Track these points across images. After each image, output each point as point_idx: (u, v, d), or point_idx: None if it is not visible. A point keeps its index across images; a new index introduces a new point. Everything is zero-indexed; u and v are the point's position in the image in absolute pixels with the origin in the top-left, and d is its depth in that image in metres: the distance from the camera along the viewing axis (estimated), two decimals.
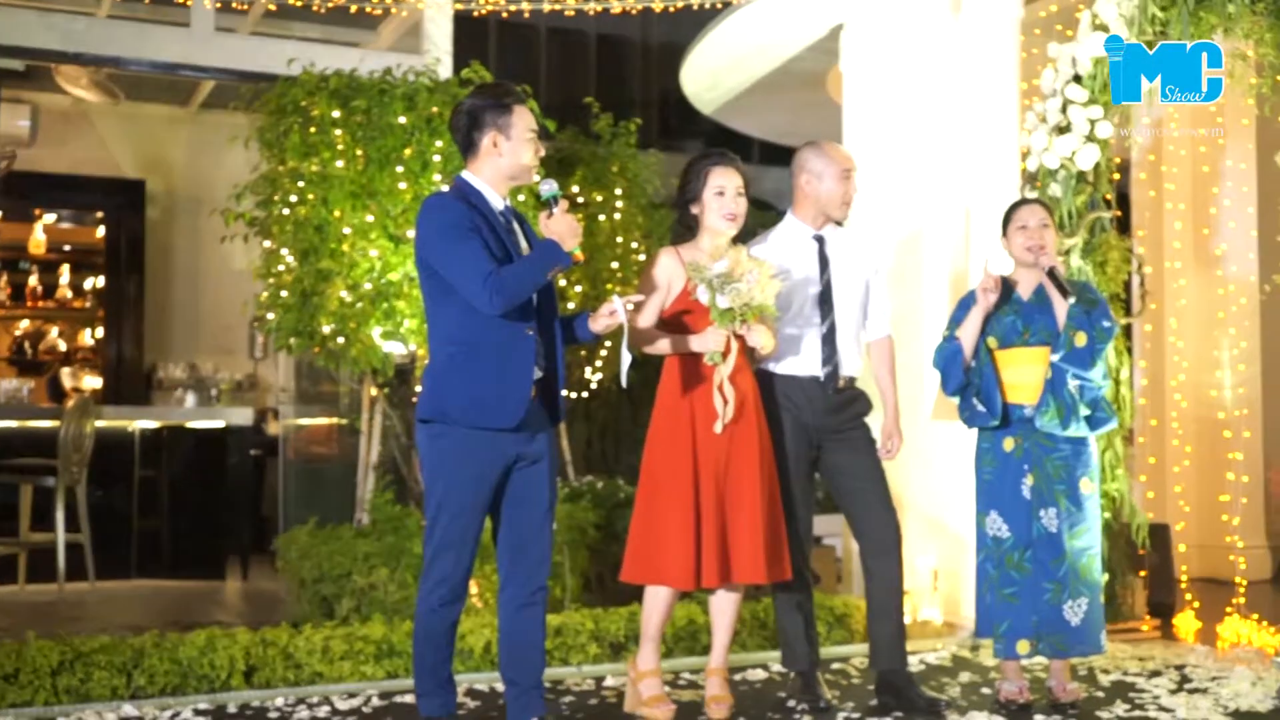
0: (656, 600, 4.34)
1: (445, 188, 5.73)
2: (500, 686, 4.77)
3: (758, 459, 4.26)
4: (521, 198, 5.63)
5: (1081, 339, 4.49)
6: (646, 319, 4.35)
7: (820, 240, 4.68)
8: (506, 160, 3.86)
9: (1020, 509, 4.54)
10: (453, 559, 3.79)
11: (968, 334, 4.62)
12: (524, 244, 3.91)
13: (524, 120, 3.89)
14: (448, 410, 3.77)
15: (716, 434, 4.20)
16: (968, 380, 4.64)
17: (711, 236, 4.36)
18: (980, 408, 4.63)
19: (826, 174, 4.66)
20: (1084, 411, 4.53)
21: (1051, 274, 4.54)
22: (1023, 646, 4.52)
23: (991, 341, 4.64)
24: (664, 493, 4.23)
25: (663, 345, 4.32)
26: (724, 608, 4.38)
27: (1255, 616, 5.73)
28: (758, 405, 4.34)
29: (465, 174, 3.91)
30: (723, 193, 4.36)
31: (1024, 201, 4.90)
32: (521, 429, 3.80)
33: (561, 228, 3.77)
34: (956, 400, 4.71)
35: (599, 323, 3.98)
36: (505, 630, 3.93)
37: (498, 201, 3.88)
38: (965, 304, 4.74)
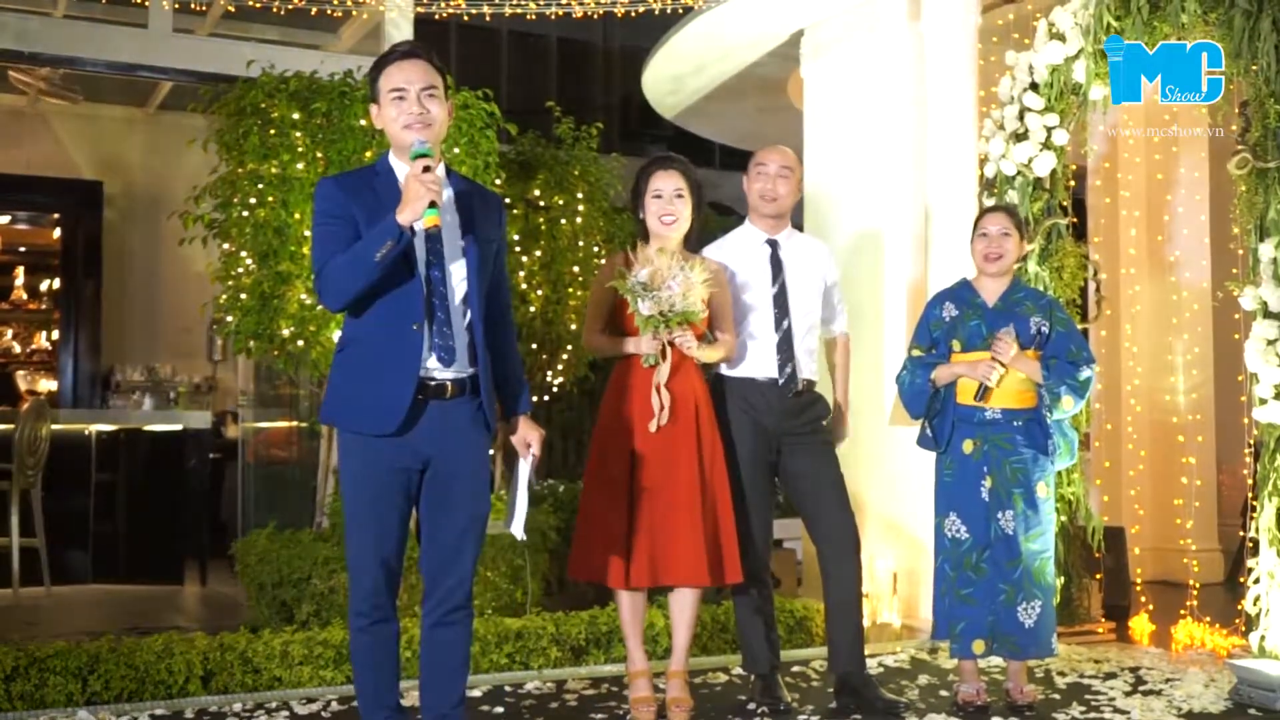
0: (619, 602, 4.38)
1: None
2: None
3: (696, 462, 4.27)
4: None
5: (1069, 403, 4.55)
6: (596, 322, 4.43)
7: (774, 244, 4.70)
8: (388, 128, 3.45)
9: (979, 511, 4.58)
10: (359, 574, 3.44)
11: (940, 379, 4.65)
12: (453, 220, 3.47)
13: (387, 81, 3.43)
14: (333, 415, 3.47)
15: (652, 434, 4.23)
16: (929, 407, 4.70)
17: (655, 239, 4.40)
18: (929, 433, 4.72)
19: (751, 171, 4.73)
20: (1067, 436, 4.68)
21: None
22: (978, 646, 4.56)
23: (955, 345, 4.68)
24: (600, 491, 4.28)
25: (608, 347, 4.39)
26: (683, 610, 4.39)
27: (1208, 619, 5.79)
28: (702, 408, 4.36)
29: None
30: (659, 195, 4.40)
31: (990, 208, 4.95)
32: (416, 435, 3.40)
33: (409, 188, 3.25)
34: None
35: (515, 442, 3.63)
36: (422, 648, 3.56)
37: (402, 168, 3.43)
38: (928, 316, 4.77)
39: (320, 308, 5.65)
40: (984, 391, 4.56)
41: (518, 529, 3.65)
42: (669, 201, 4.39)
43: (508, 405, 3.68)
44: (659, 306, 4.19)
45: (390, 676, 3.55)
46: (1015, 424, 4.58)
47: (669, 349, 4.25)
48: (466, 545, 3.50)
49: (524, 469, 3.67)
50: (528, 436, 3.67)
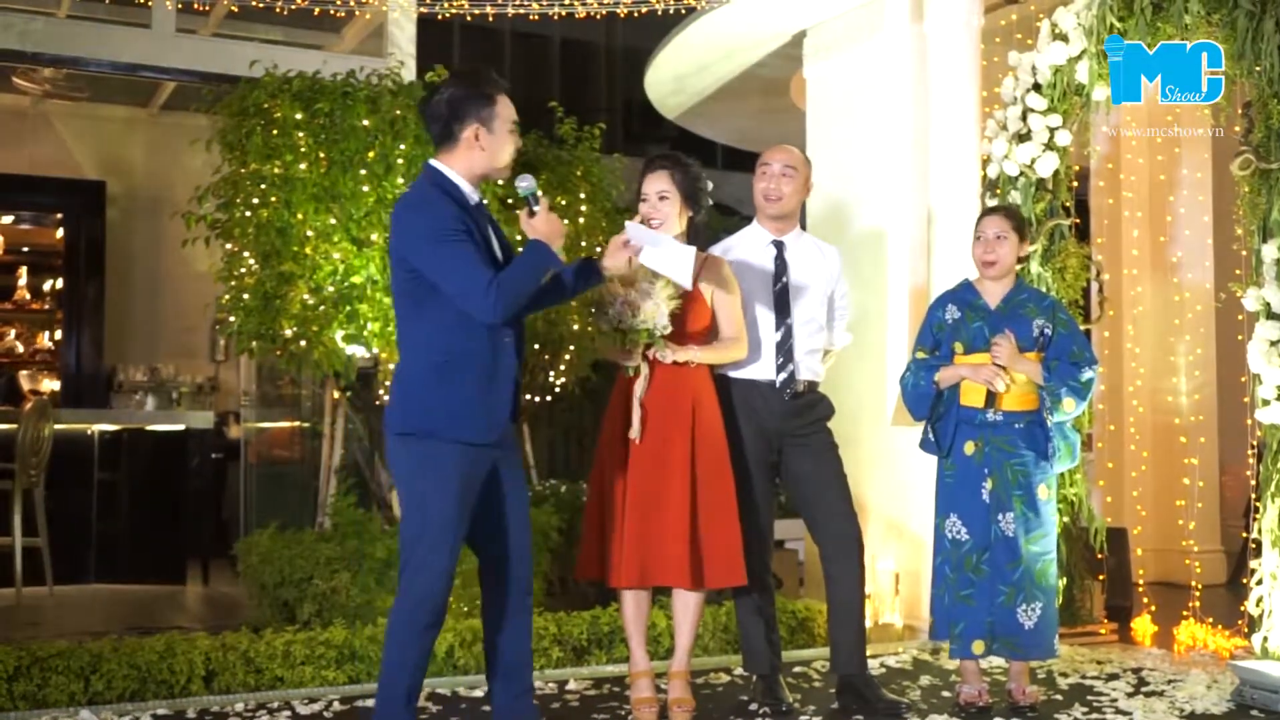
0: (623, 603, 4.39)
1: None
2: (464, 691, 4.79)
3: (687, 464, 4.26)
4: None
5: (1071, 404, 4.54)
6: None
7: (779, 245, 4.70)
8: (486, 155, 3.68)
9: (979, 512, 4.57)
10: (436, 579, 3.59)
11: (944, 382, 4.64)
12: (494, 242, 3.75)
13: (507, 112, 3.70)
14: (433, 423, 3.58)
15: (647, 436, 4.24)
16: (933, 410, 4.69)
17: None
18: (931, 437, 4.71)
19: (756, 171, 4.73)
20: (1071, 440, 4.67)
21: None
22: (978, 647, 4.55)
23: (958, 347, 4.67)
24: (601, 492, 4.32)
25: (609, 352, 4.39)
26: (685, 611, 4.39)
27: (1210, 620, 5.78)
28: (700, 410, 4.34)
29: (438, 164, 3.70)
30: (645, 198, 4.39)
31: (989, 210, 4.94)
32: (502, 437, 3.70)
33: (550, 228, 3.66)
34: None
35: (615, 257, 3.94)
36: (497, 637, 3.81)
37: (472, 195, 3.71)
38: (931, 318, 4.77)
39: (322, 308, 5.66)
40: (993, 397, 4.56)
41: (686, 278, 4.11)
42: (653, 205, 4.38)
43: (577, 274, 3.95)
44: (610, 324, 4.20)
45: (422, 680, 3.71)
46: (1017, 426, 4.57)
47: (645, 362, 4.25)
48: (528, 528, 3.82)
49: (656, 244, 4.04)
50: (620, 239, 3.96)
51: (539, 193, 3.71)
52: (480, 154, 3.67)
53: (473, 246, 3.56)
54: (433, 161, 3.72)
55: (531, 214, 3.68)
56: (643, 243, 4.01)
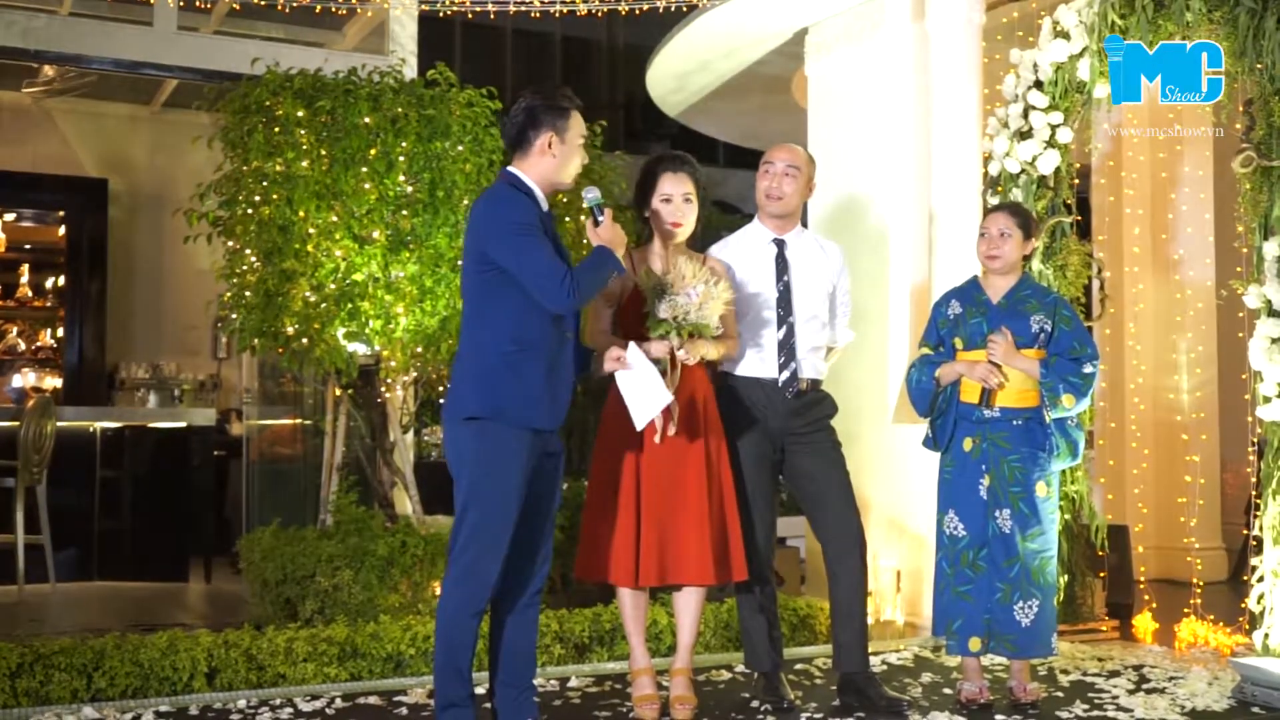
0: (621, 601, 4.39)
1: (409, 188, 5.77)
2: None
3: (703, 461, 4.27)
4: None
5: (1069, 400, 4.53)
6: (601, 321, 4.39)
7: (780, 244, 4.70)
8: (557, 163, 3.89)
9: (977, 509, 4.58)
10: (494, 563, 3.76)
11: (944, 378, 4.66)
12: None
13: (578, 126, 3.94)
14: (504, 409, 3.76)
15: (657, 442, 4.23)
16: (933, 406, 4.70)
17: (660, 242, 4.38)
18: (930, 433, 4.73)
19: (759, 169, 4.73)
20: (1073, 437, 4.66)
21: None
22: (974, 644, 4.56)
23: (958, 343, 4.68)
24: (608, 493, 4.28)
25: (608, 346, 4.33)
26: (687, 608, 4.39)
27: (1211, 617, 5.79)
28: (708, 407, 4.35)
29: (515, 170, 3.91)
30: (669, 199, 4.37)
31: (994, 208, 4.95)
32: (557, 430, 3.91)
33: (613, 235, 3.91)
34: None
35: (605, 365, 4.10)
36: (506, 632, 3.96)
37: (543, 202, 3.90)
38: (936, 314, 4.78)
39: (324, 305, 5.67)
40: (987, 394, 4.56)
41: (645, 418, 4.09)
42: (678, 206, 4.36)
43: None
44: (673, 311, 4.18)
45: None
46: (1015, 423, 4.57)
47: (673, 358, 4.24)
48: (553, 527, 4.02)
49: (643, 374, 4.06)
50: (616, 354, 4.09)
51: (604, 202, 3.95)
52: (551, 161, 3.88)
53: (549, 242, 3.79)
54: (509, 168, 3.93)
55: (596, 223, 3.92)
56: (633, 367, 4.07)
